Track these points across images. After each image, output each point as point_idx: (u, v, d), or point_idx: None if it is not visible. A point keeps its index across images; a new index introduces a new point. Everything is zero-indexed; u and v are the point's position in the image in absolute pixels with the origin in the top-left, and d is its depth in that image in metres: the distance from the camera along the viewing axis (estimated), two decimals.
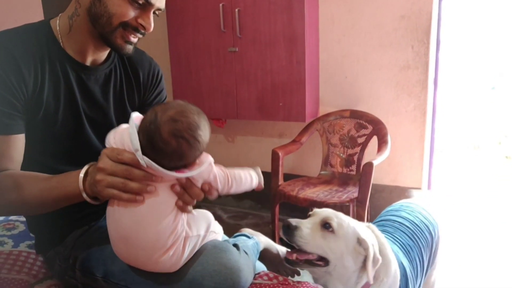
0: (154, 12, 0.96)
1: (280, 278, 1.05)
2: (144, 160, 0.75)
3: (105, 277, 0.94)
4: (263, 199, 3.00)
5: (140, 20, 0.93)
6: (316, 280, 1.14)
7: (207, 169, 0.82)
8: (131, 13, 0.91)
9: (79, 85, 0.99)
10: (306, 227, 1.05)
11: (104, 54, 1.04)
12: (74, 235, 1.05)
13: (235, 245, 1.00)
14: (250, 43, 2.50)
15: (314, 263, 1.07)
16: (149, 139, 0.77)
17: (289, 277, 1.22)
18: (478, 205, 3.14)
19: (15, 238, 1.19)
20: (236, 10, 2.47)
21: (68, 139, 0.99)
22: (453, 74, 4.65)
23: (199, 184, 0.83)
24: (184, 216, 0.86)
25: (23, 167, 0.97)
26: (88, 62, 1.01)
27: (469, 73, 5.11)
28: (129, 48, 0.97)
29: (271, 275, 1.06)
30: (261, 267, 1.15)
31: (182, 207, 0.83)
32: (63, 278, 1.03)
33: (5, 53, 0.87)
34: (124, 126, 0.85)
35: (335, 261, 1.06)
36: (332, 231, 1.06)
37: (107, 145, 0.84)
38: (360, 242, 1.07)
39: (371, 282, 1.05)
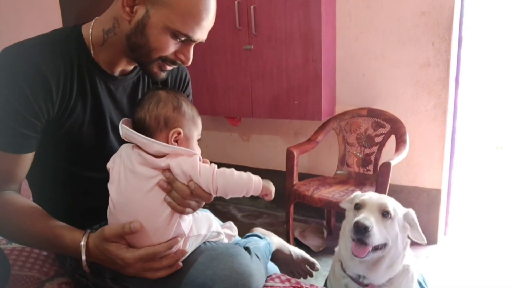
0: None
1: (293, 281, 1.03)
2: (122, 128, 0.87)
3: (114, 279, 0.94)
4: (278, 198, 2.97)
5: (179, 54, 0.91)
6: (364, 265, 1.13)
7: (188, 160, 0.83)
8: (172, 48, 0.89)
9: (107, 96, 0.98)
10: (375, 223, 1.06)
11: (134, 65, 1.02)
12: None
13: (247, 248, 0.98)
14: (265, 40, 2.47)
15: (376, 249, 1.09)
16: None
17: (302, 279, 1.19)
18: (500, 207, 3.03)
19: None
20: (252, 7, 2.44)
21: (92, 149, 0.97)
22: (475, 71, 4.52)
23: (181, 179, 0.83)
24: (181, 219, 0.86)
25: (47, 175, 0.96)
26: (117, 72, 0.99)
27: (492, 70, 4.95)
28: (164, 75, 0.96)
29: (283, 277, 1.04)
30: (273, 268, 1.13)
31: (174, 207, 0.83)
32: (74, 277, 1.03)
33: (35, 71, 0.83)
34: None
35: (392, 243, 1.09)
36: (390, 217, 1.09)
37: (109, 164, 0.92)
38: (405, 216, 1.13)
39: (425, 241, 1.12)
